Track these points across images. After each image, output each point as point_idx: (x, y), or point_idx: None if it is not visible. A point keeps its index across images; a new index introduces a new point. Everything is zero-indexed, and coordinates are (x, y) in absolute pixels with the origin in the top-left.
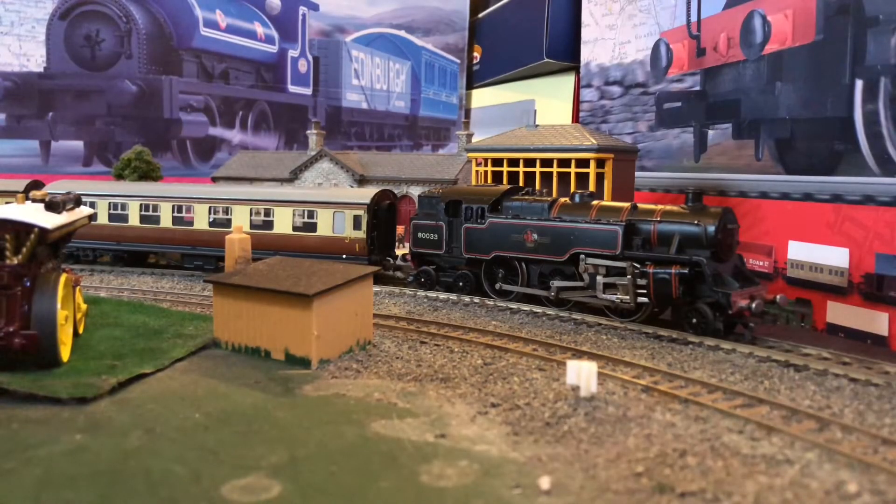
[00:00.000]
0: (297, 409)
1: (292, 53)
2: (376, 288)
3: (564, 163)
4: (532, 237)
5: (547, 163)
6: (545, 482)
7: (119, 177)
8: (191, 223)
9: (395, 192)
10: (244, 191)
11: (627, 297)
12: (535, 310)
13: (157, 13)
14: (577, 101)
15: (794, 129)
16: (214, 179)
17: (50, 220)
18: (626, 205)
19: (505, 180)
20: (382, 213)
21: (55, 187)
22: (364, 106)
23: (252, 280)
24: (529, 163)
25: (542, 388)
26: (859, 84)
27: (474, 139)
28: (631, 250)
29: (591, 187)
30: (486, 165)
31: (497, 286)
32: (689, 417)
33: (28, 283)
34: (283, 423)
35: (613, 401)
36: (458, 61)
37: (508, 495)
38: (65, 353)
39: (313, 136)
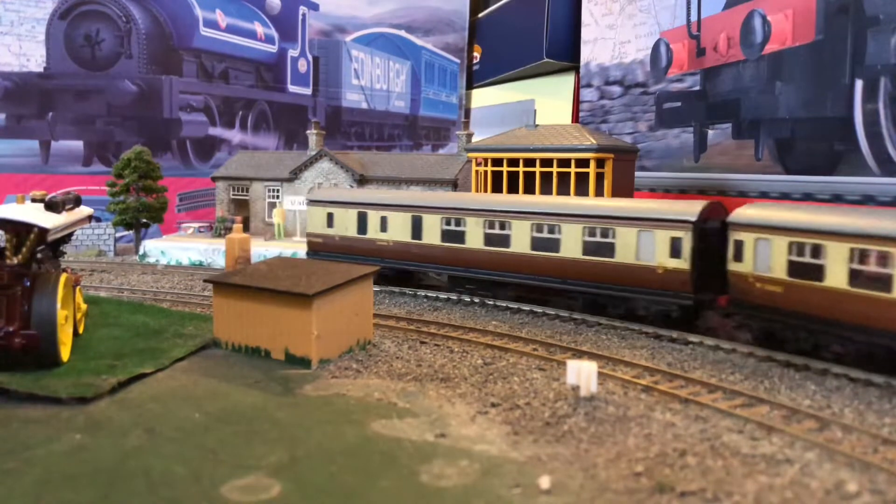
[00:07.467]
0: (297, 408)
1: (292, 53)
2: (376, 288)
3: (564, 163)
4: None
5: (547, 163)
6: (545, 482)
7: (119, 176)
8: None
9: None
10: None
11: None
12: (535, 309)
13: (157, 13)
14: (577, 101)
15: (794, 128)
16: (214, 179)
17: (50, 220)
18: None
19: (505, 180)
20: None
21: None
22: (364, 106)
23: (252, 280)
24: (529, 163)
25: (542, 387)
26: (859, 84)
27: (474, 139)
28: None
29: (591, 187)
30: (485, 165)
31: None
32: (689, 417)
33: (28, 283)
34: (283, 423)
35: (613, 401)
36: (458, 61)
37: (508, 495)
38: (65, 353)
39: (313, 135)
